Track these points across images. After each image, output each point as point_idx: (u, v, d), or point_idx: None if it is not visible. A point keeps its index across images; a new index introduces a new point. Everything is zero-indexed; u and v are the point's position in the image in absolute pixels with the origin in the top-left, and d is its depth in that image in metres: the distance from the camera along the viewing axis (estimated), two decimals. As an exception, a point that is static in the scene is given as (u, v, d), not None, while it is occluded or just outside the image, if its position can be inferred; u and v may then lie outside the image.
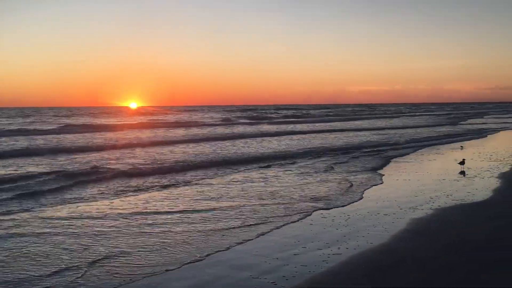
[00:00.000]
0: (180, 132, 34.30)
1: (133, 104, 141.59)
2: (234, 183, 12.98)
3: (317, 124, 47.14)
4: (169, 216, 9.15)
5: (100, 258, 6.75)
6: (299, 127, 42.38)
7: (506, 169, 14.81)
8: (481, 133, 31.51)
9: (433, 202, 10.13)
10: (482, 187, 11.75)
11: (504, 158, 17.45)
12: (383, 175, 14.06)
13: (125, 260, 6.69)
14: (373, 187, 12.14)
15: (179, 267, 6.43)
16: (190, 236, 7.83)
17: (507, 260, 6.33)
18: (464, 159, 15.26)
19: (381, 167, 15.74)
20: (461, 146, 22.34)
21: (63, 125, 41.73)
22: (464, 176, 13.65)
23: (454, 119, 58.64)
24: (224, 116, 64.38)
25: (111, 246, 7.28)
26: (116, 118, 61.60)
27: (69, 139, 27.44)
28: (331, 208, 9.76)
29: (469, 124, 46.18)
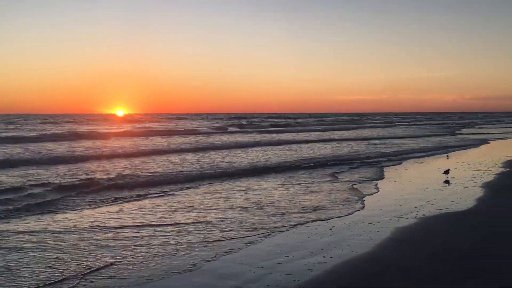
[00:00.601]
0: (164, 141, 33.92)
1: (120, 111, 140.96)
2: (222, 193, 12.94)
3: (309, 133, 46.65)
4: (155, 228, 9.06)
5: (82, 272, 6.66)
6: (287, 136, 42.16)
7: (490, 178, 14.99)
8: (483, 143, 31.60)
9: (418, 211, 10.20)
10: (466, 196, 11.87)
11: (488, 168, 17.67)
12: (378, 185, 14.05)
13: (109, 272, 6.61)
14: (368, 196, 12.13)
15: (165, 277, 6.36)
16: (176, 246, 7.77)
17: (491, 269, 6.38)
18: (448, 169, 15.46)
19: (378, 178, 15.57)
20: (447, 156, 22.58)
21: (45, 132, 40.59)
22: (448, 185, 13.79)
23: (449, 129, 57.91)
24: (213, 125, 63.98)
25: (93, 260, 7.18)
26: (102, 125, 61.06)
27: (51, 147, 26.49)
28: (325, 220, 9.77)
29: (468, 134, 45.76)
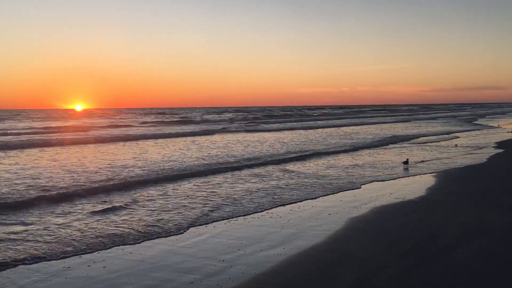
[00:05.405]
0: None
1: (79, 106, 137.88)
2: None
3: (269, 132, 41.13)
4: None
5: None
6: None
7: (446, 167, 15.57)
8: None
9: (375, 201, 10.47)
10: (422, 186, 12.26)
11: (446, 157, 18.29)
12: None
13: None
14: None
15: (122, 272, 6.31)
16: (134, 238, 7.72)
17: (443, 255, 6.65)
18: (407, 159, 16.08)
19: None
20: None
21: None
22: (406, 172, 14.30)
23: (464, 121, 52.94)
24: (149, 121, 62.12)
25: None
26: (57, 121, 59.15)
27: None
28: (278, 206, 9.91)
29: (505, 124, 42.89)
